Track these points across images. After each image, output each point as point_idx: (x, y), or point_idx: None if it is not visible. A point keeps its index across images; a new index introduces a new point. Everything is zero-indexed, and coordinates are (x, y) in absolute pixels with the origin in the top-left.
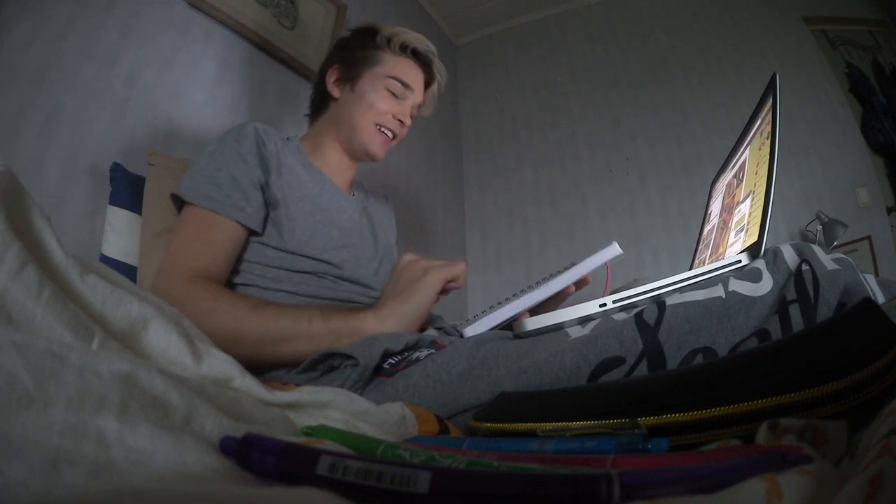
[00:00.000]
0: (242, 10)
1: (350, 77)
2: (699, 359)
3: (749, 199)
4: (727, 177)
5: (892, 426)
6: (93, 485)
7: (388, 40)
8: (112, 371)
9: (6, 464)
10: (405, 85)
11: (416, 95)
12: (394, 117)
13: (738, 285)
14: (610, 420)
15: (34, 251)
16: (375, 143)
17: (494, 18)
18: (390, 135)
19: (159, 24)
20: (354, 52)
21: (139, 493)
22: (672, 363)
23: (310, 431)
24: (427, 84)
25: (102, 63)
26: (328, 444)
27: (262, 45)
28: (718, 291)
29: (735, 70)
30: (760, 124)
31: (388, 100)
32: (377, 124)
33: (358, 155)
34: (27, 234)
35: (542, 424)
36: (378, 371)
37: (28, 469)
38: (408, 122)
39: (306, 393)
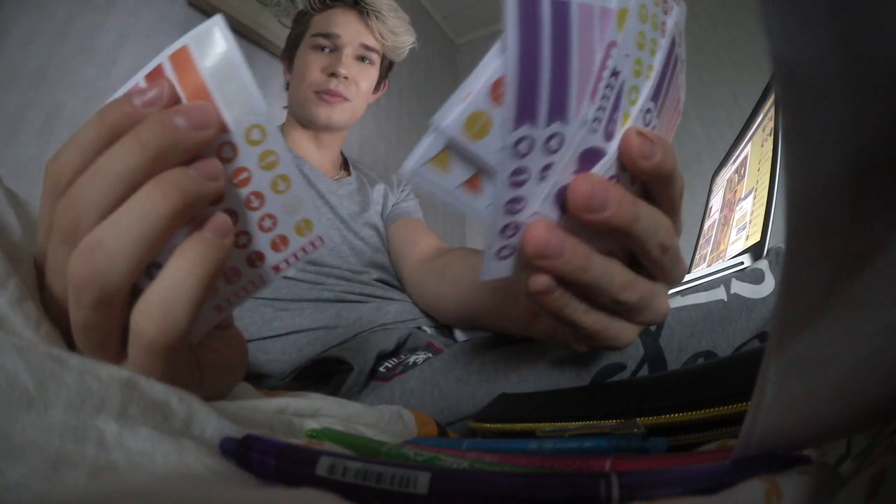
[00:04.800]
0: (242, 9)
1: (290, 59)
2: (700, 363)
3: (751, 196)
4: (728, 171)
5: None
6: (94, 486)
7: (310, 3)
8: (112, 376)
9: (7, 465)
10: (327, 35)
11: (350, 37)
12: (323, 72)
13: (740, 287)
14: (608, 420)
15: (30, 288)
16: (316, 111)
17: (494, 18)
18: (328, 95)
19: (159, 24)
20: (291, 35)
21: (140, 495)
22: (673, 368)
23: (314, 434)
24: (366, 19)
25: (102, 63)
26: (328, 446)
27: (262, 44)
28: (720, 294)
29: (735, 69)
30: (762, 119)
31: (317, 62)
32: (315, 92)
33: (316, 129)
34: (23, 274)
35: (541, 425)
36: (373, 375)
37: (29, 470)
38: (343, 71)
39: (293, 401)
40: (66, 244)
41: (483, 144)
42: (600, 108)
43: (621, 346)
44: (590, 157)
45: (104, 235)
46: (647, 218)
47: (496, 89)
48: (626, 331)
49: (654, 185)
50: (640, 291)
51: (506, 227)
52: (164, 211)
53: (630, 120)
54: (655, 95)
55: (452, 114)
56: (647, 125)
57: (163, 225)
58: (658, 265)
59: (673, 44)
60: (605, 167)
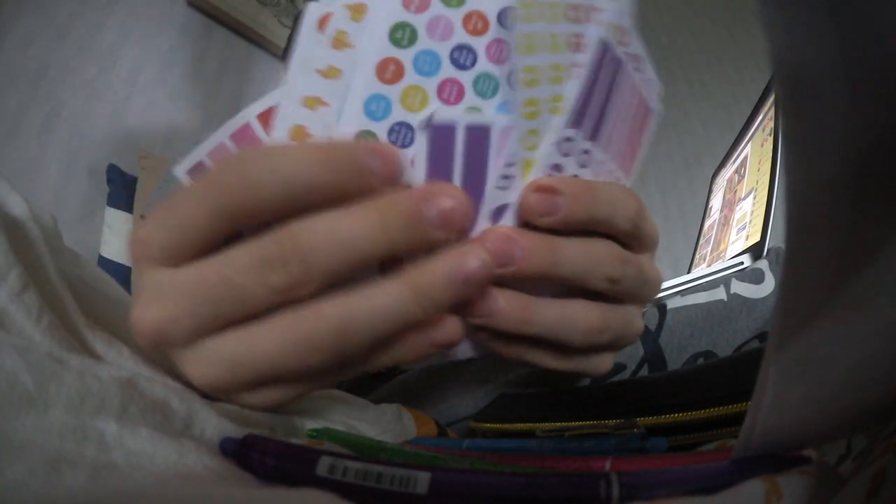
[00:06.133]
0: (242, 9)
1: None
2: (700, 363)
3: (751, 196)
4: (728, 172)
5: None
6: (93, 486)
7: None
8: (112, 376)
9: (7, 465)
10: None
11: None
12: None
13: (739, 287)
14: (608, 420)
15: (35, 278)
16: None
17: None
18: None
19: (159, 24)
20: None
21: (140, 495)
22: (673, 368)
23: (315, 434)
24: None
25: (102, 63)
26: (328, 446)
27: (262, 44)
28: (720, 294)
29: (735, 69)
30: (762, 119)
31: None
32: None
33: None
34: (28, 259)
35: (541, 425)
36: (374, 375)
37: (29, 470)
38: None
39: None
40: (280, 293)
41: None
42: (509, 165)
43: (600, 374)
44: (501, 212)
45: (347, 323)
46: (573, 258)
47: None
48: (604, 362)
49: (580, 228)
50: (613, 330)
51: None
52: (408, 319)
53: (535, 166)
54: (577, 122)
55: None
56: (567, 155)
57: (400, 329)
58: (615, 296)
59: (605, 50)
60: (514, 217)
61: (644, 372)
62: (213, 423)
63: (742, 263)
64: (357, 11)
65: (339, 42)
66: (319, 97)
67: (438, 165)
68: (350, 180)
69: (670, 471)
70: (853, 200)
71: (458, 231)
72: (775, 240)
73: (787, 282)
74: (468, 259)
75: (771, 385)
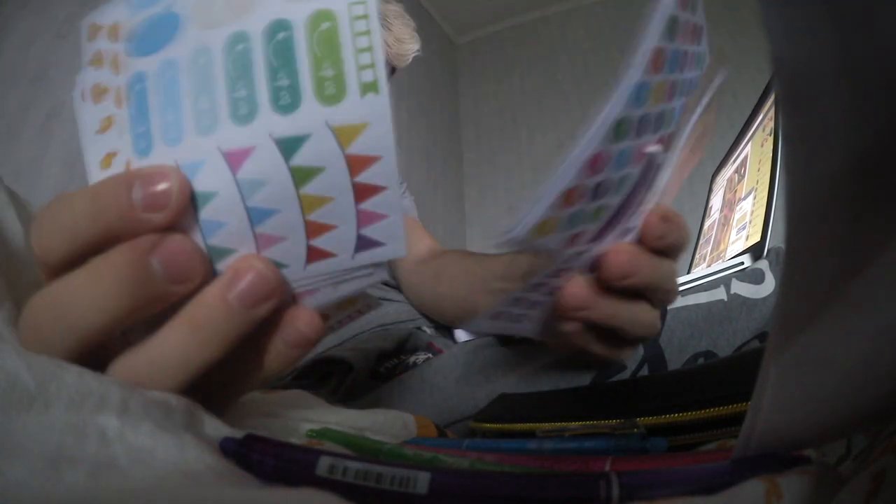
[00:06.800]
0: None
1: None
2: (700, 363)
3: (751, 196)
4: (728, 171)
5: None
6: (94, 485)
7: None
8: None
9: (7, 464)
10: None
11: None
12: None
13: (740, 287)
14: (608, 420)
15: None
16: None
17: (495, 17)
18: None
19: None
20: None
21: (140, 493)
22: (673, 368)
23: (314, 434)
24: None
25: None
26: (329, 446)
27: None
28: (720, 294)
29: (735, 69)
30: (762, 119)
31: None
32: None
33: None
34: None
35: (541, 425)
36: (374, 375)
37: (29, 470)
38: None
39: (287, 403)
40: (67, 349)
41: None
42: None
43: (619, 360)
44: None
45: (152, 358)
46: (663, 272)
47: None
48: (626, 352)
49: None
50: (658, 325)
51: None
52: (205, 360)
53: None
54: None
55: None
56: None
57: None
58: (661, 304)
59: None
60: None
61: (644, 372)
62: (214, 422)
63: (742, 263)
64: (97, 59)
65: (98, 94)
66: (109, 152)
67: None
68: (119, 221)
69: (670, 471)
70: (853, 200)
71: (196, 280)
72: (775, 240)
73: (787, 282)
74: (239, 277)
75: (771, 385)
